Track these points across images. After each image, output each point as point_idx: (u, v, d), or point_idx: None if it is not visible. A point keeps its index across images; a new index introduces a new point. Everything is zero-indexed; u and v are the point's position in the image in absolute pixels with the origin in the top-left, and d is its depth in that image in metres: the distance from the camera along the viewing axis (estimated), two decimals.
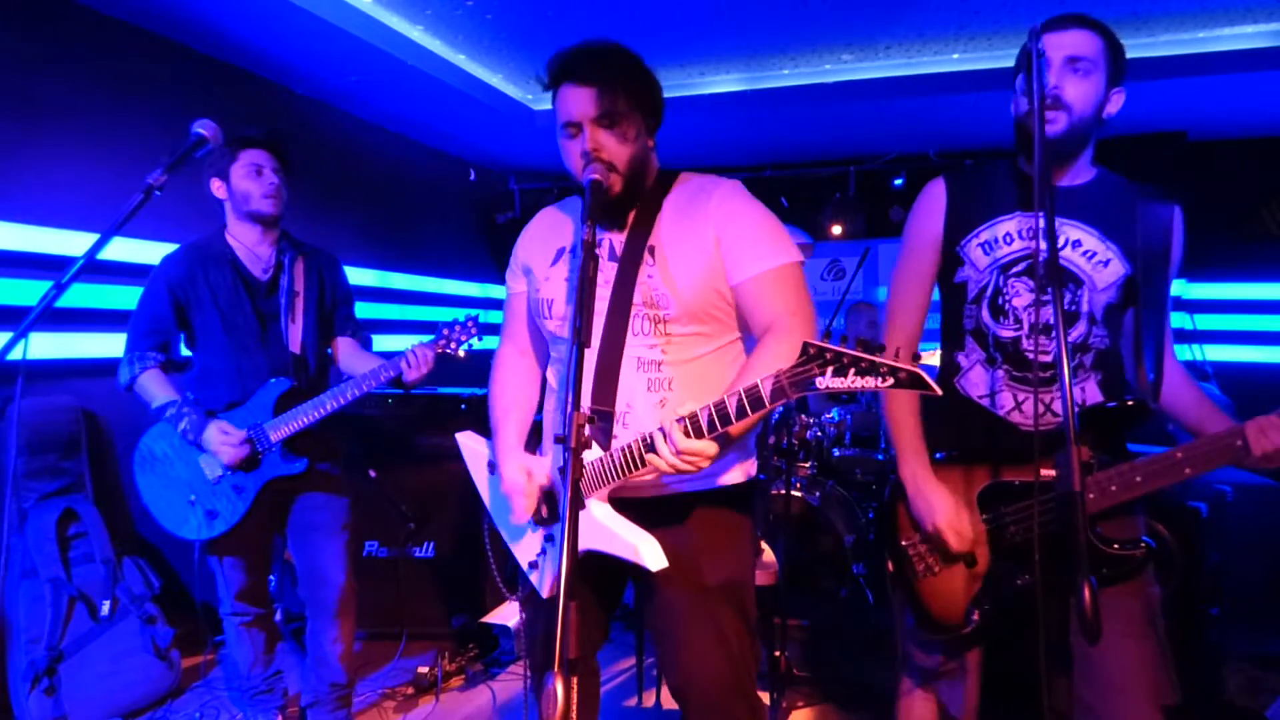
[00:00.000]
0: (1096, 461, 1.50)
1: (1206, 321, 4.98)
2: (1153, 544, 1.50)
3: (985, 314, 1.61)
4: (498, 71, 4.26)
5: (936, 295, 1.72)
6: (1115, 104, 1.52)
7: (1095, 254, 1.54)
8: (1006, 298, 1.58)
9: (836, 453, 3.92)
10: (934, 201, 1.65)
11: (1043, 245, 1.39)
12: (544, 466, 1.56)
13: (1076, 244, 1.55)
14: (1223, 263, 4.96)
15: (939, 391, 1.16)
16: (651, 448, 1.33)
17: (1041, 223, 1.52)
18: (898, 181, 5.43)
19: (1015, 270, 1.57)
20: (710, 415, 1.29)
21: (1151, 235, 1.53)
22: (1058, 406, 1.49)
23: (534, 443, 1.66)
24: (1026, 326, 1.56)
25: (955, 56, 3.96)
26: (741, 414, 1.27)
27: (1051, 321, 1.50)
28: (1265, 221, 4.93)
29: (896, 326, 1.69)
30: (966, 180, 1.66)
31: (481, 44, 3.91)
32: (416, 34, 3.72)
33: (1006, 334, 1.58)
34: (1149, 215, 1.54)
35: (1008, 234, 1.58)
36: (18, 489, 2.75)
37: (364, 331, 2.50)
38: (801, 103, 4.39)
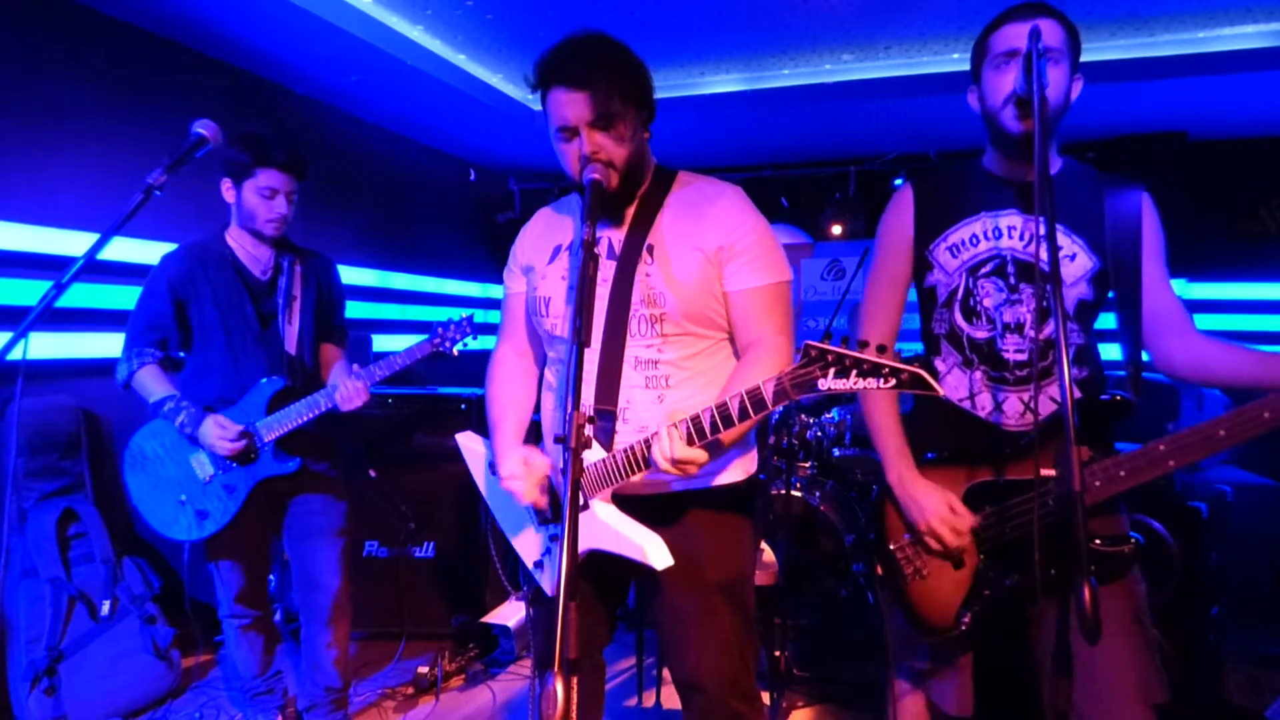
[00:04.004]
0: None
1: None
2: (1141, 540, 1.50)
3: (957, 317, 1.61)
4: (498, 71, 4.25)
5: (913, 296, 1.72)
6: (1077, 90, 1.51)
7: (1060, 248, 1.53)
8: (977, 299, 1.58)
9: (836, 453, 3.91)
10: (902, 207, 1.66)
11: (1037, 251, 1.39)
12: (543, 459, 1.56)
13: (1042, 239, 1.54)
14: (1223, 263, 4.95)
15: (942, 392, 1.16)
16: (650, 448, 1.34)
17: (1032, 223, 1.53)
18: (898, 181, 5.42)
19: (984, 271, 1.57)
20: (713, 417, 1.29)
21: (1120, 225, 1.51)
22: (1036, 405, 1.49)
23: (532, 442, 1.66)
24: (1000, 327, 1.56)
25: (955, 56, 3.96)
26: (744, 415, 1.28)
27: (1022, 320, 1.53)
28: (1265, 221, 4.93)
29: (871, 329, 1.69)
30: (933, 183, 1.66)
31: (481, 44, 3.90)
32: (416, 34, 3.72)
33: (980, 335, 1.59)
34: (1116, 204, 1.52)
35: (974, 235, 1.58)
36: (18, 489, 2.75)
37: (345, 331, 2.53)
38: (801, 103, 4.39)
